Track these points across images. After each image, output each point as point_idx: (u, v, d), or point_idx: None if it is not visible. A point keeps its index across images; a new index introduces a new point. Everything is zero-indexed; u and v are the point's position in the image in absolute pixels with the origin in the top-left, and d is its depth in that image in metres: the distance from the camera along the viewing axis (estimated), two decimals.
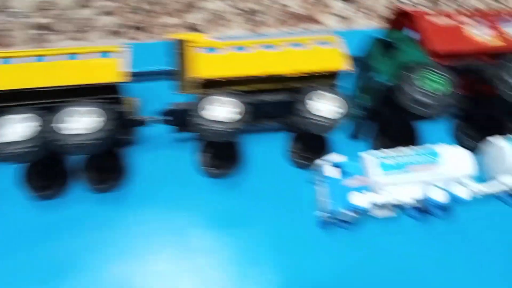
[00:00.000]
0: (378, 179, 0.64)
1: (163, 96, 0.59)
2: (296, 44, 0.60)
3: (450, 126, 0.77)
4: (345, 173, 0.64)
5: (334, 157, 0.66)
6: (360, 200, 0.62)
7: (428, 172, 0.65)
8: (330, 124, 0.59)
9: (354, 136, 0.76)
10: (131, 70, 0.54)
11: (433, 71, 0.57)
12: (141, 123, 0.60)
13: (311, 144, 0.71)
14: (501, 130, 0.73)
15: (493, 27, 0.62)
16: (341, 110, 0.59)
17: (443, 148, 0.67)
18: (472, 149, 0.71)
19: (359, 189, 0.63)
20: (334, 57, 0.60)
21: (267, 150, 0.73)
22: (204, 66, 0.55)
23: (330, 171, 0.65)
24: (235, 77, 0.56)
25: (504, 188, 0.72)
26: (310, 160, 0.69)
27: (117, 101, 0.54)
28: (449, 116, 0.77)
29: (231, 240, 0.61)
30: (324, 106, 0.59)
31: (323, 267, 0.61)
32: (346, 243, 0.65)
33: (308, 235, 0.66)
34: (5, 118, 0.48)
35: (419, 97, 0.56)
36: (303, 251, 0.63)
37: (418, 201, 0.66)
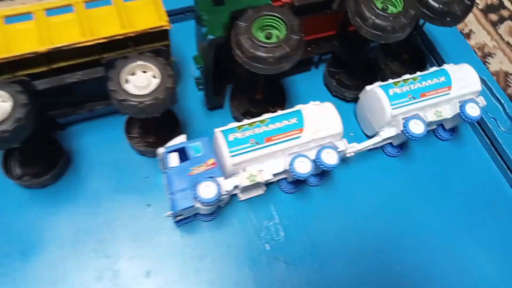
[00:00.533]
0: (228, 160, 0.52)
1: None
2: (100, 3, 0.49)
3: (319, 76, 0.71)
4: (193, 159, 0.52)
5: (176, 140, 0.54)
6: (206, 192, 0.50)
7: (292, 143, 0.54)
8: (154, 103, 0.46)
9: (209, 107, 0.64)
10: None
11: (270, 16, 0.49)
12: None
13: (154, 126, 0.58)
14: (375, 75, 0.68)
15: None
16: (169, 83, 0.46)
17: (307, 110, 0.56)
18: (347, 99, 0.67)
19: (208, 175, 0.51)
20: (153, 12, 0.50)
21: (105, 139, 0.60)
22: None
23: (172, 159, 0.52)
24: (7, 59, 0.44)
25: (386, 142, 0.63)
26: (156, 145, 0.56)
27: None
28: (315, 60, 0.71)
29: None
30: (145, 80, 0.48)
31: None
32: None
33: (167, 239, 0.55)
34: None
35: (259, 53, 0.47)
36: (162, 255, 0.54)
37: (285, 173, 0.56)
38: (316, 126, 0.55)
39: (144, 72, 0.48)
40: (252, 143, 0.53)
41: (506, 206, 0.64)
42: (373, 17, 0.51)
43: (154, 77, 0.47)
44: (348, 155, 0.58)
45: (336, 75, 0.66)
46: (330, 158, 0.54)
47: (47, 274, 0.51)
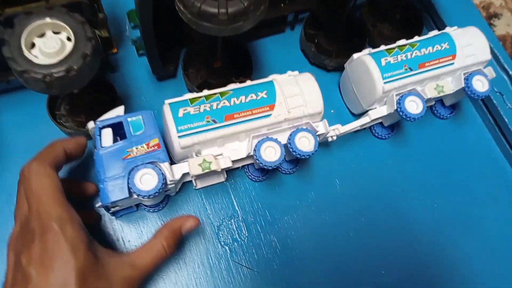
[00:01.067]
0: (176, 142, 0.41)
1: None
2: None
3: (295, 40, 0.58)
4: (132, 138, 0.41)
5: (112, 113, 0.43)
6: (145, 182, 0.40)
7: (259, 122, 0.43)
8: (66, 76, 0.34)
9: (156, 77, 0.52)
10: None
11: None
12: None
13: (85, 102, 0.46)
14: (361, 39, 0.56)
15: None
16: (87, 49, 0.34)
17: (281, 81, 0.45)
18: (328, 68, 0.55)
19: (149, 160, 0.40)
20: None
21: (26, 118, 0.48)
22: None
23: (104, 137, 0.41)
24: None
25: (376, 122, 0.52)
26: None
27: None
28: (290, 20, 0.58)
29: None
30: (55, 44, 0.36)
31: None
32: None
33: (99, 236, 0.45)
34: None
35: (207, 7, 0.35)
36: None
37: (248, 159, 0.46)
38: (291, 103, 0.43)
39: (56, 33, 0.37)
40: (208, 121, 0.42)
41: (508, 194, 0.54)
42: None
43: (69, 40, 0.37)
44: (330, 139, 0.47)
45: (315, 38, 0.54)
46: (306, 144, 0.43)
47: None
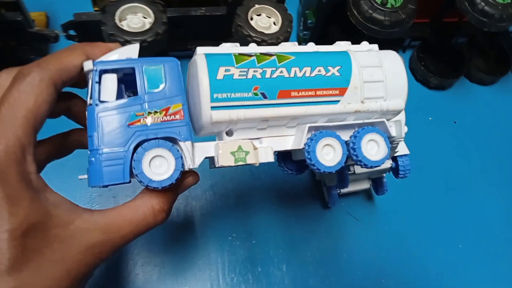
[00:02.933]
0: (207, 113, 0.29)
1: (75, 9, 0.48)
2: None
3: (406, 58, 0.67)
4: (146, 96, 0.29)
5: (121, 52, 0.29)
6: (157, 167, 0.28)
7: (321, 109, 0.31)
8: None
9: None
10: None
11: None
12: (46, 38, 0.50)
13: None
14: (465, 62, 0.65)
15: None
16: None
17: (359, 58, 0.32)
18: (431, 84, 0.65)
19: (165, 134, 0.28)
20: None
21: None
22: None
23: (106, 86, 0.28)
24: None
25: None
26: None
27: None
28: (406, 44, 0.67)
29: None
30: (266, 21, 0.50)
31: None
32: None
33: None
34: None
35: (376, 15, 0.48)
36: None
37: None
38: (368, 90, 0.32)
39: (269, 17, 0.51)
40: (256, 94, 0.30)
41: None
42: (482, 3, 0.50)
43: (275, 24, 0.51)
44: (397, 152, 0.37)
45: (423, 60, 0.65)
46: (373, 151, 0.32)
47: None
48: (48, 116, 0.28)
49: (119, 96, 0.29)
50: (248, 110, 0.29)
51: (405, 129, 0.36)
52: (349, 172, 0.44)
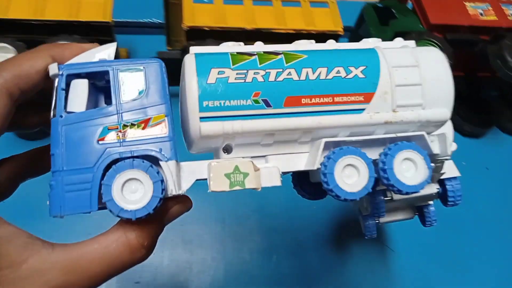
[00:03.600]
0: (195, 125, 0.24)
1: (153, 48, 0.54)
2: (291, 3, 0.57)
3: None
4: (122, 105, 0.24)
5: (96, 52, 0.24)
6: (132, 193, 0.22)
7: (342, 119, 0.25)
8: None
9: None
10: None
11: (426, 39, 0.56)
12: None
13: None
14: (496, 114, 0.67)
15: (492, 3, 0.62)
16: None
17: (390, 56, 0.26)
18: (464, 132, 0.65)
19: (144, 152, 0.23)
20: (330, 19, 0.56)
21: None
22: (193, 16, 0.52)
23: (76, 94, 0.23)
24: (221, 28, 0.52)
25: None
26: None
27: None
28: None
29: None
30: None
31: None
32: None
33: None
34: None
35: None
36: None
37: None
38: (401, 96, 0.25)
39: None
40: (257, 101, 0.24)
41: None
42: None
43: None
44: (443, 175, 0.29)
45: (458, 109, 0.62)
46: (410, 173, 0.25)
47: None
48: (11, 129, 0.23)
49: (93, 107, 0.24)
50: (246, 122, 0.24)
51: (453, 146, 0.28)
52: (386, 199, 0.37)
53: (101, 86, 0.25)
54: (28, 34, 0.50)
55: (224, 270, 0.48)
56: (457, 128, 0.59)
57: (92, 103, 0.25)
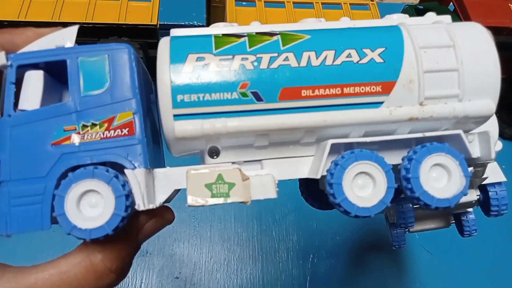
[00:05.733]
0: (169, 124, 0.19)
1: None
2: (332, 6, 0.57)
3: None
4: (81, 100, 0.20)
5: (51, 38, 0.20)
6: (90, 213, 0.18)
7: (354, 116, 0.20)
8: None
9: None
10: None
11: None
12: None
13: None
14: None
15: None
16: None
17: (417, 33, 0.20)
18: (505, 135, 0.63)
19: (105, 157, 0.19)
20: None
21: None
22: (236, 19, 0.52)
23: (28, 91, 0.20)
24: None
25: None
26: None
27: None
28: None
29: None
30: None
31: None
32: None
33: None
34: None
35: None
36: None
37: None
38: (431, 84, 0.20)
39: None
40: (244, 94, 0.19)
41: None
42: None
43: None
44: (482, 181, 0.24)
45: (499, 112, 0.52)
46: (440, 182, 0.20)
47: None
48: None
49: (52, 103, 0.20)
50: (231, 120, 0.19)
51: (498, 145, 0.23)
52: (415, 206, 0.31)
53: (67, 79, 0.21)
54: (79, 37, 0.51)
55: (261, 268, 0.48)
56: (500, 134, 0.56)
57: (55, 99, 0.21)
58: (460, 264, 0.49)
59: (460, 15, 0.59)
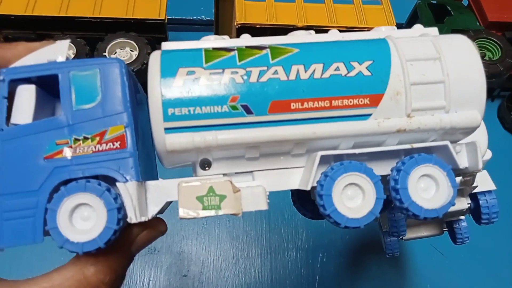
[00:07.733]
0: (160, 137, 0.19)
1: None
2: (343, 0, 0.57)
3: (495, 106, 0.63)
4: (73, 115, 0.20)
5: (43, 53, 0.21)
6: (82, 226, 0.19)
7: (343, 128, 0.20)
8: None
9: None
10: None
11: (485, 38, 0.54)
12: None
13: None
14: None
15: None
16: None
17: (404, 46, 0.21)
18: None
19: (97, 171, 0.19)
20: (383, 16, 0.56)
21: None
22: (245, 14, 0.52)
23: (21, 103, 0.20)
24: (272, 25, 0.53)
25: None
26: None
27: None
28: (495, 94, 0.63)
29: None
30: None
31: None
32: None
33: None
34: None
35: None
36: None
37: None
38: (418, 96, 0.20)
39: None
40: (235, 107, 0.19)
41: None
42: None
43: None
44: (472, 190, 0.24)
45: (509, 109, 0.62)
46: (428, 193, 0.20)
47: None
48: None
49: (44, 117, 0.20)
50: (222, 133, 0.19)
51: (487, 154, 0.23)
52: None
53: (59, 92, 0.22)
54: (87, 31, 0.52)
55: (270, 267, 0.48)
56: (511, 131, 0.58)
57: (47, 113, 0.21)
58: (472, 265, 0.49)
59: (474, 10, 0.58)
